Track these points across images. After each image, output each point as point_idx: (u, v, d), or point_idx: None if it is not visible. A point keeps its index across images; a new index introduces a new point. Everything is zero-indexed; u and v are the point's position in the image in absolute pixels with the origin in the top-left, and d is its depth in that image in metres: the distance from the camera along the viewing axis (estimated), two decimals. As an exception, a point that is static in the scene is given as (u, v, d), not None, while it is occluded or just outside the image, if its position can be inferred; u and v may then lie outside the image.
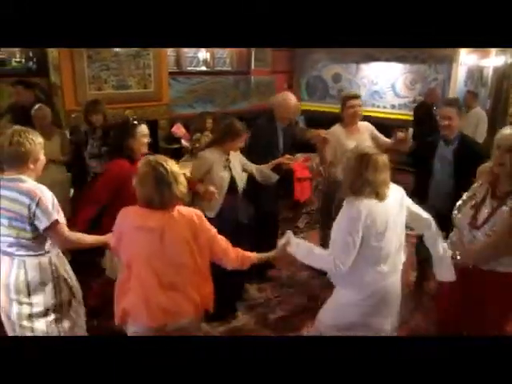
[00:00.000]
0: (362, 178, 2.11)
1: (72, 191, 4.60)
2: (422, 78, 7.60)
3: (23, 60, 5.71)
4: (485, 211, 2.28)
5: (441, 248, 2.38)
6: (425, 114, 6.39)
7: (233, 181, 3.30)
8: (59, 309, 2.36)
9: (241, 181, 3.38)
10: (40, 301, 2.29)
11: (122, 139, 2.90)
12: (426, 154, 3.34)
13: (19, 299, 2.27)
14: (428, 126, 4.52)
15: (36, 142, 2.25)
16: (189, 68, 7.58)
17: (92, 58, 5.86)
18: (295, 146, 4.06)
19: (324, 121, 4.21)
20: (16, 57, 5.65)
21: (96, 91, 5.91)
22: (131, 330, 2.13)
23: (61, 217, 2.23)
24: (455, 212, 2.44)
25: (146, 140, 2.98)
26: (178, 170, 2.09)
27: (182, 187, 2.07)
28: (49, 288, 2.30)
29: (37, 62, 5.74)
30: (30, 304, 2.28)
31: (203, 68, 7.77)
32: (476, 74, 7.87)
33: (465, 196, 2.43)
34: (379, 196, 2.14)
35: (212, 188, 3.08)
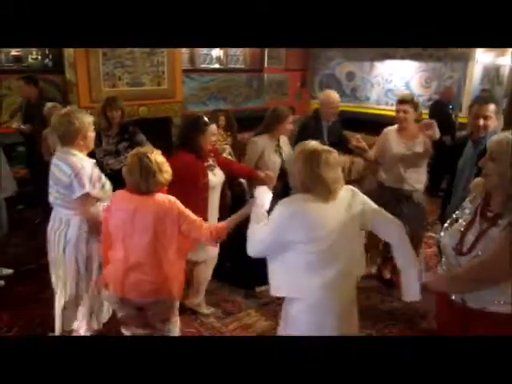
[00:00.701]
0: (313, 175, 2.02)
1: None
2: (437, 76, 7.51)
3: (39, 57, 5.79)
4: (472, 234, 1.86)
5: (406, 261, 2.12)
6: (440, 113, 6.31)
7: (283, 165, 3.58)
8: None
9: (289, 163, 3.57)
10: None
11: (193, 135, 3.07)
12: (454, 153, 3.01)
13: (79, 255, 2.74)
14: (444, 124, 4.48)
15: (85, 121, 2.67)
16: (202, 65, 7.60)
17: (107, 55, 5.91)
18: (341, 144, 3.99)
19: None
20: (32, 54, 5.73)
21: (110, 88, 5.95)
22: (105, 295, 2.57)
23: (94, 192, 2.63)
24: (441, 234, 2.06)
25: (214, 138, 3.23)
26: (163, 160, 2.34)
27: (166, 175, 2.33)
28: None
29: (53, 60, 5.81)
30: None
31: (216, 66, 7.79)
32: (492, 73, 7.75)
33: (454, 214, 2.04)
34: (331, 194, 2.03)
35: (271, 173, 3.33)
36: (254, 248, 2.14)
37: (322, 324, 2.07)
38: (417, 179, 3.71)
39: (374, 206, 2.20)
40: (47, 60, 5.84)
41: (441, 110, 6.44)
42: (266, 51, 8.18)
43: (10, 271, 4.03)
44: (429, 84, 7.65)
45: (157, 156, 2.33)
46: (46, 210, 2.98)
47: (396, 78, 7.98)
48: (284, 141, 3.76)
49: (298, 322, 2.12)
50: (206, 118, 3.17)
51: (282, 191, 3.39)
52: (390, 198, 3.60)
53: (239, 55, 8.11)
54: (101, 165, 4.23)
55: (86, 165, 2.65)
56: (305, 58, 8.97)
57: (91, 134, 2.75)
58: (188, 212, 2.36)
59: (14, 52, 5.59)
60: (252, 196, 3.24)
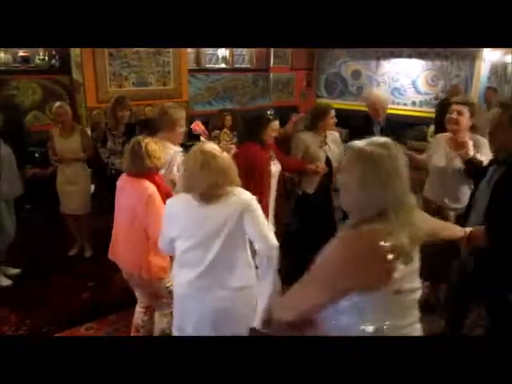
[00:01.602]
0: (191, 176, 2.06)
1: (93, 187, 4.67)
2: (444, 74, 7.46)
3: (46, 58, 5.81)
4: None
5: (263, 288, 2.12)
6: (447, 112, 6.27)
7: (328, 160, 3.75)
8: None
9: (336, 160, 3.75)
10: None
11: (258, 129, 3.40)
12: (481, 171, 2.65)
13: None
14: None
15: (180, 115, 3.18)
16: (208, 65, 7.60)
17: (113, 55, 5.93)
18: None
19: (343, 118, 4.19)
20: (39, 54, 5.76)
21: (117, 88, 5.97)
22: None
23: (164, 172, 2.85)
24: None
25: (275, 134, 3.49)
26: (155, 148, 2.56)
27: (155, 161, 2.55)
28: None
29: (59, 60, 5.83)
30: None
31: (222, 65, 7.79)
32: (500, 71, 7.69)
33: None
34: (205, 197, 2.04)
35: (321, 164, 3.64)
36: (159, 243, 2.29)
37: (181, 318, 2.22)
38: (456, 197, 3.25)
39: (259, 220, 2.09)
40: (54, 60, 5.86)
41: (448, 109, 6.38)
42: (272, 51, 8.16)
43: (17, 271, 4.06)
44: (435, 82, 7.61)
45: (149, 143, 2.55)
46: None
47: (402, 76, 7.94)
48: (333, 138, 3.88)
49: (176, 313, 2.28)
50: (269, 115, 3.62)
51: (326, 186, 3.79)
52: (429, 212, 3.18)
53: (245, 55, 8.11)
54: (105, 165, 4.25)
55: (175, 152, 3.10)
56: (311, 58, 8.95)
57: (182, 128, 3.25)
58: (158, 214, 2.40)
59: (21, 53, 5.62)
60: (300, 189, 3.81)
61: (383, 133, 3.82)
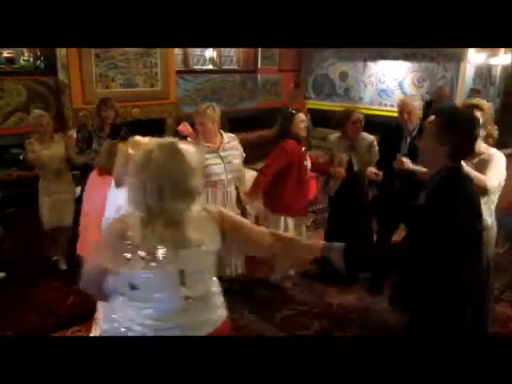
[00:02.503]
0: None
1: (79, 189, 4.61)
2: (430, 76, 7.55)
3: (31, 59, 5.74)
4: None
5: None
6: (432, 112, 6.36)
7: (351, 164, 3.80)
8: None
9: (360, 165, 3.77)
10: None
11: (286, 125, 3.59)
12: None
13: None
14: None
15: (218, 113, 3.47)
16: (196, 67, 7.59)
17: (100, 56, 5.88)
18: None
19: (331, 119, 4.18)
20: (24, 55, 5.69)
21: (103, 89, 5.93)
22: None
23: None
24: None
25: (304, 125, 3.62)
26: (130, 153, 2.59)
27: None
28: None
29: (45, 61, 5.77)
30: None
31: (210, 66, 7.78)
32: (484, 73, 7.81)
33: None
34: None
35: (340, 170, 3.74)
36: None
37: None
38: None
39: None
40: (39, 62, 5.79)
41: (433, 110, 6.47)
42: (260, 52, 8.18)
43: (2, 274, 3.99)
44: (421, 84, 7.69)
45: (125, 147, 2.52)
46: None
47: (389, 78, 8.00)
48: (366, 143, 3.83)
49: None
50: (292, 109, 3.75)
51: (346, 190, 3.82)
52: None
53: (233, 56, 8.10)
54: (90, 167, 4.19)
55: None
56: (298, 59, 8.98)
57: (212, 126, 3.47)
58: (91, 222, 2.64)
59: (5, 53, 5.54)
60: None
61: (415, 141, 3.46)
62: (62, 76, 5.72)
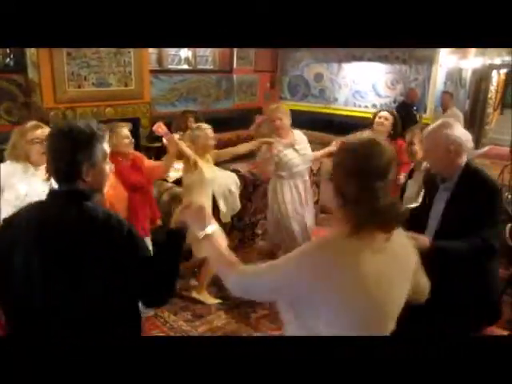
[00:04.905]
0: None
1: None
2: (402, 78, 7.68)
3: (0, 56, 5.58)
4: None
5: None
6: (405, 114, 6.48)
7: None
8: None
9: None
10: None
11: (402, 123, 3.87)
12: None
13: None
14: (409, 124, 4.60)
15: None
16: (170, 66, 7.51)
17: (71, 55, 5.75)
18: None
19: (306, 120, 4.22)
20: (-8, 53, 5.52)
21: (76, 88, 5.80)
22: None
23: None
24: None
25: None
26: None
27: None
28: None
29: (14, 59, 5.61)
30: None
31: (185, 66, 7.71)
32: (455, 76, 8.00)
33: None
34: None
35: None
36: None
37: None
38: None
39: None
40: (8, 59, 5.63)
41: (405, 111, 6.62)
42: (236, 52, 8.16)
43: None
44: (394, 86, 7.82)
45: None
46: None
47: (363, 79, 8.11)
48: None
49: None
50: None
51: None
52: None
53: (208, 56, 8.06)
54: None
55: None
56: (274, 60, 9.01)
57: None
58: None
59: (-27, 51, 5.37)
60: None
61: None
62: (32, 74, 5.58)
